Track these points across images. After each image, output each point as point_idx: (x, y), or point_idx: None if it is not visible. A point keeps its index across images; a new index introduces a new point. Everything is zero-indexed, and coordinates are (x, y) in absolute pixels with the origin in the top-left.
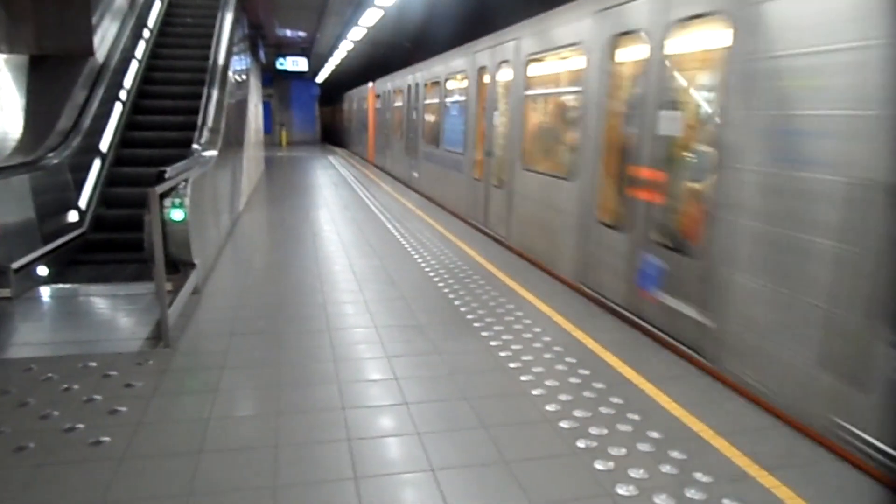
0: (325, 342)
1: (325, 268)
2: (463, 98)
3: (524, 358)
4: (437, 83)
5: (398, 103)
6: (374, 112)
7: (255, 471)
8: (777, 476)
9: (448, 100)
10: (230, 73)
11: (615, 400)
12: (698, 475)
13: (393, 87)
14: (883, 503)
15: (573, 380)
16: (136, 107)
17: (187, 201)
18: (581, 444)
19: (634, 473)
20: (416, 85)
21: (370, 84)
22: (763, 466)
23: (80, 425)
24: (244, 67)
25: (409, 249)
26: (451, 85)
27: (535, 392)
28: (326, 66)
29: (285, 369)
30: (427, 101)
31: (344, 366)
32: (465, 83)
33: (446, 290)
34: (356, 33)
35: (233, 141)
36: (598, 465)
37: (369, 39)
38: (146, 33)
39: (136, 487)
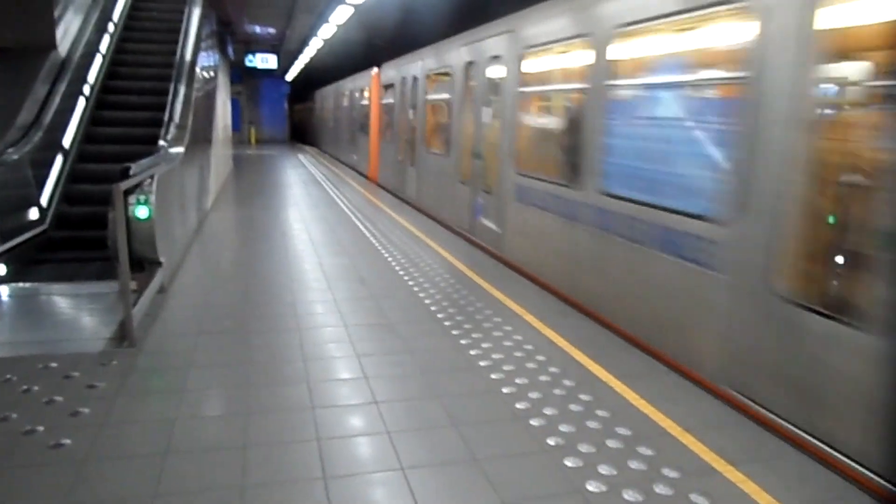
0: (294, 341)
1: (295, 266)
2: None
3: (494, 356)
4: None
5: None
6: (378, 110)
7: (223, 471)
8: (743, 470)
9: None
10: (197, 69)
11: (585, 397)
12: (666, 471)
13: (428, 71)
14: (845, 495)
15: (543, 378)
16: (100, 102)
17: (153, 198)
18: (551, 441)
19: (604, 470)
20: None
21: (374, 70)
22: (729, 461)
23: (40, 427)
24: (212, 64)
25: (379, 248)
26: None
27: (505, 390)
28: (297, 63)
29: (254, 368)
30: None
31: (313, 365)
32: None
33: (416, 289)
34: (327, 30)
35: (200, 138)
36: (569, 463)
37: (341, 37)
38: (111, 27)
39: (98, 491)
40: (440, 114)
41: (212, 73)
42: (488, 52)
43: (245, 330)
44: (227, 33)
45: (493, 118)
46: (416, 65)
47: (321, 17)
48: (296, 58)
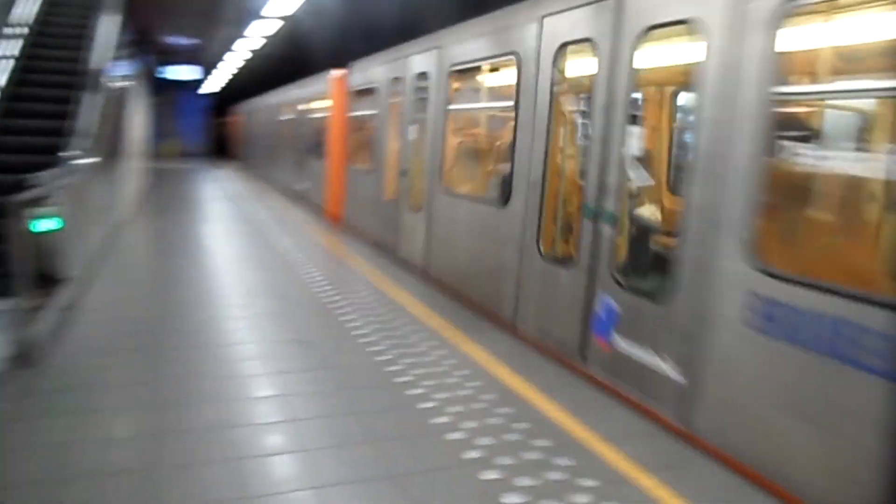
0: (210, 358)
1: (213, 282)
2: None
3: (414, 372)
4: None
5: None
6: (342, 124)
7: (131, 495)
8: (657, 477)
9: None
10: (109, 78)
11: (504, 410)
12: (584, 480)
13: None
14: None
15: (463, 392)
16: (8, 111)
17: (59, 211)
18: (469, 455)
19: (521, 482)
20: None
21: (335, 73)
22: (643, 469)
23: None
24: (127, 73)
25: (299, 264)
26: None
27: (422, 406)
28: (220, 75)
29: (167, 387)
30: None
31: (230, 383)
32: None
33: (336, 307)
34: (251, 43)
35: (112, 149)
36: (486, 476)
37: (268, 52)
38: (20, 32)
39: None
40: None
41: (126, 83)
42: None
43: (158, 348)
44: (143, 43)
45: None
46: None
47: (241, 29)
48: (218, 69)
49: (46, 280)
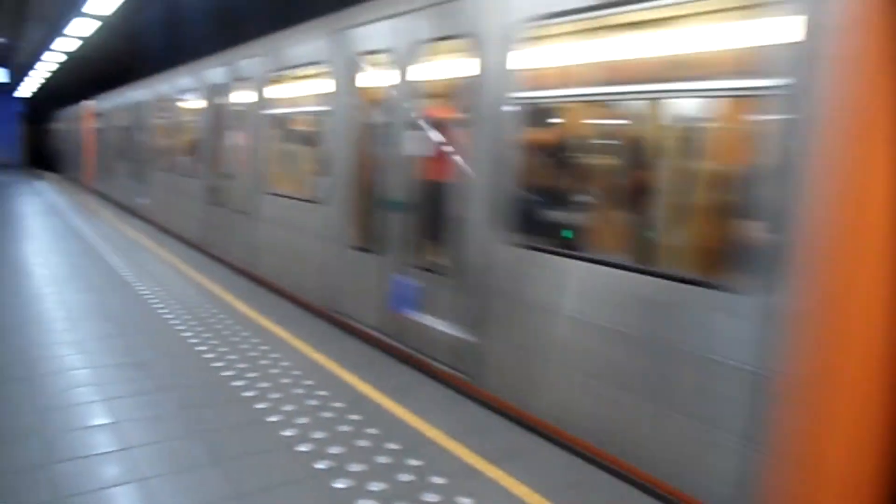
0: (24, 391)
1: (30, 307)
2: None
3: (260, 385)
4: None
5: None
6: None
7: None
8: (502, 468)
9: None
10: None
11: (354, 417)
12: (434, 478)
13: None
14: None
15: (311, 402)
16: None
17: None
18: (320, 465)
19: (374, 487)
20: None
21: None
22: (490, 461)
23: None
24: None
25: (132, 281)
26: None
27: (271, 419)
28: (35, 77)
29: None
30: None
31: (52, 415)
32: None
33: (175, 322)
34: (69, 44)
35: None
36: (339, 484)
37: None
38: None
39: None
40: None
41: None
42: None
43: None
44: None
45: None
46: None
47: (58, 28)
48: (33, 71)
49: None
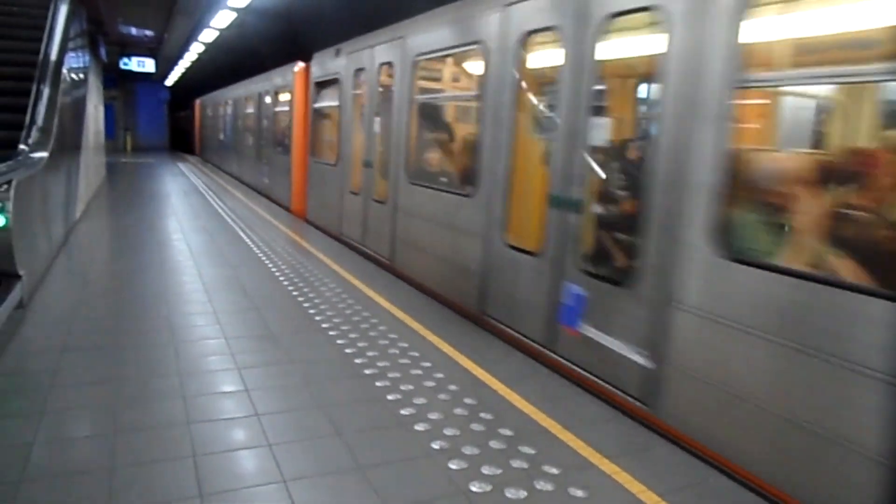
0: (169, 356)
1: (172, 278)
2: None
3: (380, 364)
4: None
5: None
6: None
7: (88, 496)
8: (617, 463)
9: None
10: (64, 70)
11: (469, 401)
12: (547, 467)
13: None
14: (704, 479)
15: (428, 383)
16: None
17: (10, 206)
18: (436, 445)
19: (487, 470)
20: None
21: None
22: (605, 455)
23: None
24: (82, 65)
25: (263, 258)
26: None
27: (390, 397)
28: (178, 67)
29: (124, 386)
30: None
31: (190, 380)
32: None
33: (301, 299)
34: (208, 35)
35: (67, 143)
36: (453, 465)
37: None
38: None
39: None
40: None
41: (81, 75)
42: None
43: (115, 346)
44: (99, 34)
45: None
46: None
47: (202, 21)
48: (176, 62)
49: None
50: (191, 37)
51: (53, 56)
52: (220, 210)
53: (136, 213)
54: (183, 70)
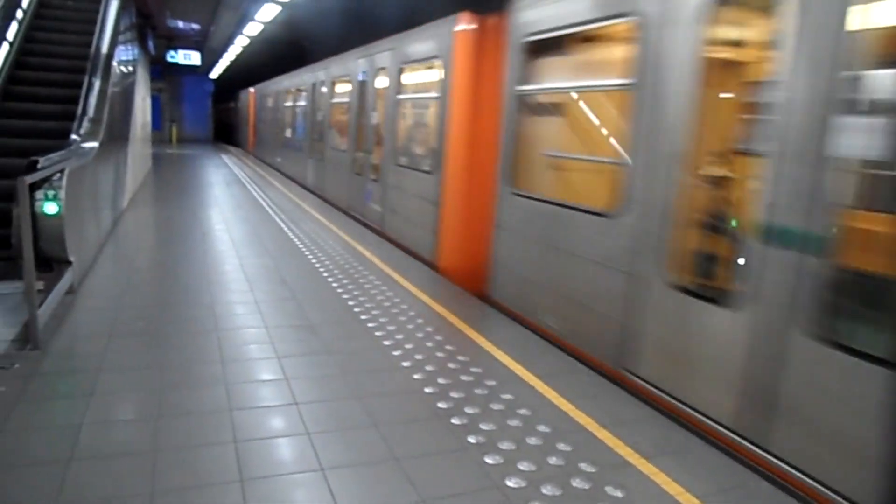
0: (212, 343)
1: (215, 267)
2: None
3: (417, 357)
4: None
5: None
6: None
7: (132, 477)
8: (655, 463)
9: None
10: (114, 63)
11: (506, 396)
12: (583, 465)
13: None
14: (744, 482)
15: (465, 377)
16: (6, 93)
17: (62, 194)
18: (472, 439)
19: (523, 466)
20: None
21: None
22: (642, 455)
23: None
24: (131, 58)
25: (303, 249)
26: None
27: (427, 390)
28: (221, 61)
29: (168, 371)
30: None
31: (232, 367)
32: None
33: (340, 290)
34: (253, 28)
35: (116, 134)
36: (489, 460)
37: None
38: (19, 14)
39: None
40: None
41: (130, 68)
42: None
43: (160, 332)
44: (147, 27)
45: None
46: None
47: (247, 14)
48: (221, 54)
49: (47, 264)
50: (236, 29)
51: (104, 49)
52: (260, 200)
53: (181, 202)
54: (227, 62)
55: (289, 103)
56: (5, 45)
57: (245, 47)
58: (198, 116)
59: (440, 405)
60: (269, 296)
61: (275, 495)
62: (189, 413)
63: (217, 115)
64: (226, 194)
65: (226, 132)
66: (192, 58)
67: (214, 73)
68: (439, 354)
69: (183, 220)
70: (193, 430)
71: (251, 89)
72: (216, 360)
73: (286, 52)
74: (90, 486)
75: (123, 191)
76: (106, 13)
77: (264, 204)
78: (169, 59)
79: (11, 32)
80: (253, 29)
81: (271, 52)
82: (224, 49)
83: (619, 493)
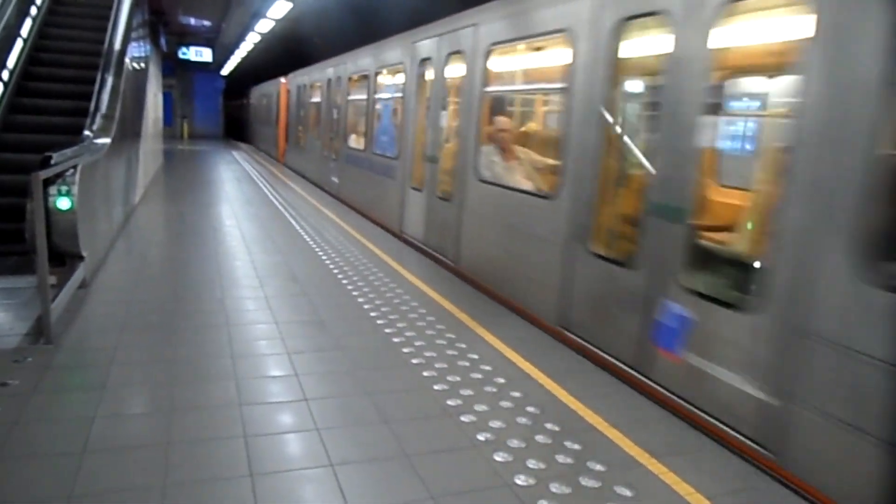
0: (222, 338)
1: (225, 263)
2: None
3: (427, 354)
4: None
5: None
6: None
7: (144, 469)
8: (664, 463)
9: None
10: (127, 59)
11: (515, 394)
12: (592, 464)
13: None
14: (756, 485)
15: (475, 375)
16: (20, 89)
17: (75, 189)
18: (481, 437)
19: (532, 464)
20: None
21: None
22: (652, 454)
23: None
24: (143, 54)
25: (313, 245)
26: None
27: (437, 387)
28: (233, 58)
29: (179, 365)
30: None
31: (242, 362)
32: None
33: (350, 287)
34: (264, 25)
35: (128, 130)
36: (498, 457)
37: (278, 34)
38: (33, 11)
39: (7, 492)
40: None
41: (142, 64)
42: None
43: (171, 326)
44: (159, 24)
45: None
46: None
47: (259, 11)
48: (232, 51)
49: (60, 258)
50: (247, 26)
51: (117, 46)
52: (270, 197)
53: (192, 198)
54: (238, 59)
55: (359, 95)
56: (19, 42)
57: (256, 44)
58: (209, 113)
59: (449, 402)
60: (279, 291)
61: (284, 490)
62: (199, 407)
63: (228, 112)
64: (236, 190)
65: (237, 128)
66: (203, 54)
67: (226, 70)
68: (450, 352)
69: (194, 215)
70: (204, 425)
71: (282, 79)
72: (227, 355)
73: (310, 41)
74: (103, 477)
75: (135, 186)
76: (119, 10)
77: (274, 200)
78: (181, 55)
79: (25, 29)
80: (264, 26)
81: (300, 38)
82: (235, 46)
83: (627, 493)
